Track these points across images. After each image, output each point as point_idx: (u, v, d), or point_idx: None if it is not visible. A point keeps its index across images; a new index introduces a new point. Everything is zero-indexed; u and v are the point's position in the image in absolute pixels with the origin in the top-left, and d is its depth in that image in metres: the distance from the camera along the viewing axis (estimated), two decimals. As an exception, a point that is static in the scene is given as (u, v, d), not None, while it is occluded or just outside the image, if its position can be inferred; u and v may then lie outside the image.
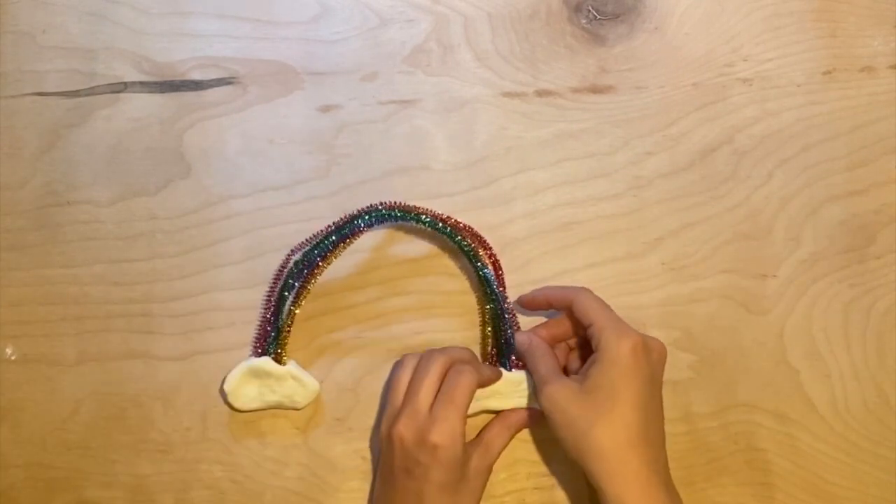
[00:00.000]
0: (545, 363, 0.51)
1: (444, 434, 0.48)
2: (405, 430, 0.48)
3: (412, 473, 0.48)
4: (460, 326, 0.55)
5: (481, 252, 0.54)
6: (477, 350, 0.55)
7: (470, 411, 0.53)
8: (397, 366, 0.52)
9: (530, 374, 0.53)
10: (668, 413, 0.54)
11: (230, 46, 0.58)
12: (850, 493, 0.54)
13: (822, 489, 0.54)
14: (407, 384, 0.51)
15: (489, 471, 0.52)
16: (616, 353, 0.48)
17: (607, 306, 0.51)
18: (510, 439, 0.53)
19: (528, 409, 0.53)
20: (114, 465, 0.54)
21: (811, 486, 0.54)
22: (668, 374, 0.54)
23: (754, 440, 0.54)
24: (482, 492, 0.51)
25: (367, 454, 0.54)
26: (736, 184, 0.57)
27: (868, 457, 0.54)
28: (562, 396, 0.49)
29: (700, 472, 0.54)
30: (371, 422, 0.54)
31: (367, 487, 0.54)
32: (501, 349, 0.54)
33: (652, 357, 0.49)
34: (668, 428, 0.54)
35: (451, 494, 0.49)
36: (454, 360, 0.51)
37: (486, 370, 0.52)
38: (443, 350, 0.52)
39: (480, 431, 0.53)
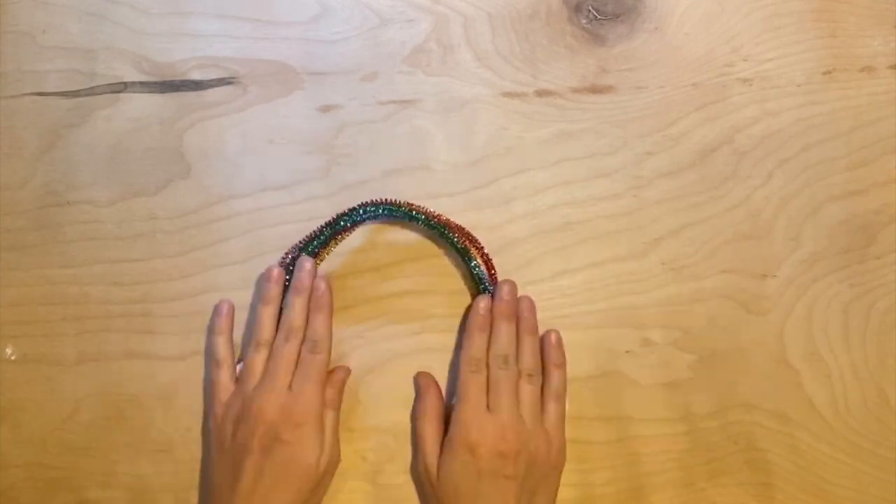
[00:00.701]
0: (430, 426, 0.51)
1: (307, 411, 0.48)
2: (268, 403, 0.49)
3: (269, 450, 0.48)
4: (459, 326, 0.55)
5: (473, 251, 0.54)
6: (477, 350, 0.55)
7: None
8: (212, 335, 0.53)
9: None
10: (667, 413, 0.54)
11: (230, 46, 0.58)
12: (850, 493, 0.54)
13: (822, 489, 0.54)
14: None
15: (336, 465, 0.51)
16: (455, 450, 0.49)
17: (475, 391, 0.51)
18: (338, 419, 0.52)
19: (337, 372, 0.53)
20: (114, 465, 0.54)
21: (811, 486, 0.54)
22: (668, 374, 0.55)
23: (754, 440, 0.54)
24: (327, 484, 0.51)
25: (368, 454, 0.54)
26: (736, 184, 0.57)
27: (868, 457, 0.54)
28: (426, 479, 0.50)
29: (700, 472, 0.54)
30: (372, 422, 0.54)
31: (367, 487, 0.54)
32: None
33: (510, 465, 0.48)
34: (668, 428, 0.54)
35: (296, 487, 0.48)
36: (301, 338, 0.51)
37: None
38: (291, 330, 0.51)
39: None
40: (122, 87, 0.58)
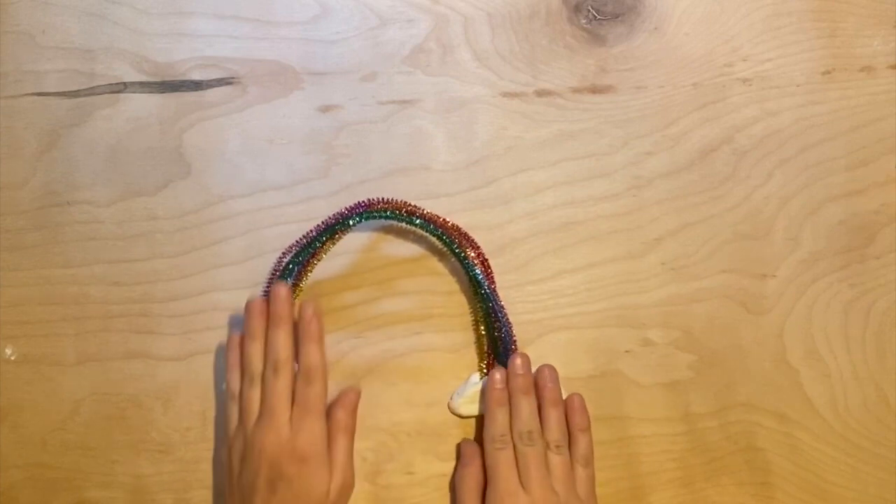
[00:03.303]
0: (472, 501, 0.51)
1: (310, 444, 0.47)
2: (268, 441, 0.48)
3: (275, 488, 0.47)
4: (458, 326, 0.55)
5: (470, 252, 0.54)
6: (473, 350, 0.55)
7: (467, 413, 0.54)
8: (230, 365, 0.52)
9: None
10: (667, 413, 0.54)
11: (230, 46, 0.58)
12: (850, 493, 0.54)
13: (822, 489, 0.54)
14: (238, 377, 0.51)
15: (350, 488, 0.50)
16: None
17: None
18: (350, 441, 0.51)
19: (347, 394, 0.52)
20: (114, 465, 0.54)
21: (811, 485, 0.54)
22: (668, 374, 0.55)
23: (754, 440, 0.54)
24: None
25: (368, 454, 0.54)
26: (735, 184, 0.57)
27: (868, 457, 0.54)
28: None
29: (699, 471, 0.54)
30: (371, 422, 0.54)
31: (367, 487, 0.54)
32: (497, 348, 0.54)
33: None
34: (667, 428, 0.54)
35: None
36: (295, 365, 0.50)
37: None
38: (280, 353, 0.50)
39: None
40: (122, 87, 0.58)
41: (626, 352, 0.55)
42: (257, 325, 0.51)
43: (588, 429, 0.52)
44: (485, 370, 0.54)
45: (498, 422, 0.51)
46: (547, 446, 0.50)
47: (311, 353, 0.50)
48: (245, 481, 0.48)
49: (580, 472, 0.51)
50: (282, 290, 0.51)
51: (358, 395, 0.52)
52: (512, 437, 0.50)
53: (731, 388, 0.55)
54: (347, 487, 0.50)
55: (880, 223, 0.56)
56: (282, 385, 0.49)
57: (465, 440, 0.54)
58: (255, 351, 0.51)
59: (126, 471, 0.54)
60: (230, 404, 0.51)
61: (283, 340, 0.50)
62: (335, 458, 0.49)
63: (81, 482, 0.54)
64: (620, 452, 0.54)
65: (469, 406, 0.53)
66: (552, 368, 0.53)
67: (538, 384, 0.52)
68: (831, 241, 0.56)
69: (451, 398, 0.54)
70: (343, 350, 0.55)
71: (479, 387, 0.53)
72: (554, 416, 0.51)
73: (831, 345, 0.55)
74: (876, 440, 0.54)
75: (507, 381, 0.52)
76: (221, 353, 0.55)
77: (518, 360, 0.52)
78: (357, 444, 0.54)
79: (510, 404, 0.52)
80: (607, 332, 0.55)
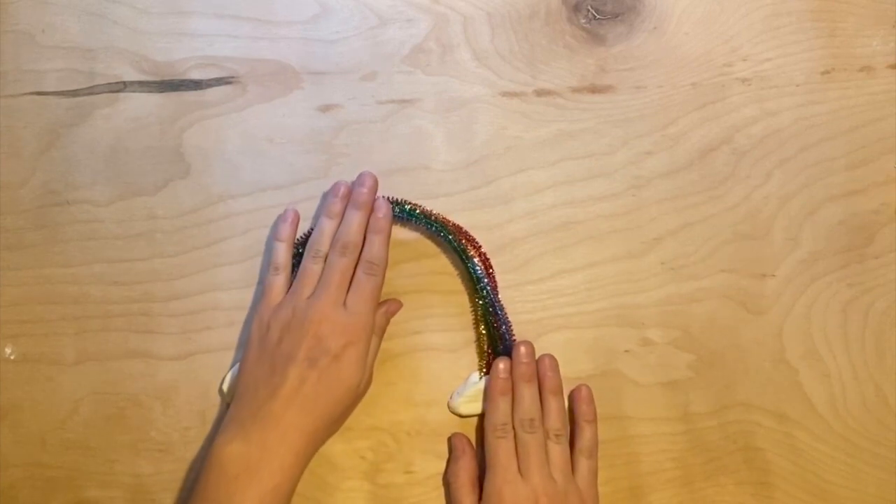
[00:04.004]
0: (465, 492, 0.51)
1: (359, 328, 0.49)
2: (322, 313, 0.49)
3: (316, 362, 0.48)
4: (458, 326, 0.55)
5: (471, 250, 0.54)
6: (473, 349, 0.55)
7: (467, 412, 0.54)
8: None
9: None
10: (666, 413, 0.54)
11: (230, 46, 0.58)
12: (850, 492, 0.54)
13: (822, 489, 0.54)
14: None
15: (367, 390, 0.51)
16: None
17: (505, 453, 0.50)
18: (379, 347, 0.53)
19: (392, 303, 0.54)
20: (113, 464, 0.54)
21: (810, 485, 0.54)
22: (668, 373, 0.55)
23: (753, 440, 0.54)
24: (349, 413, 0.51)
25: (367, 454, 0.54)
26: (735, 183, 0.57)
27: (867, 456, 0.54)
28: None
29: (699, 471, 0.54)
30: (370, 421, 0.54)
31: (366, 487, 0.54)
32: (496, 348, 0.54)
33: None
34: (667, 428, 0.54)
35: (334, 401, 0.48)
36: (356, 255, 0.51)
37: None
38: (346, 241, 0.51)
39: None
40: (122, 86, 0.58)
41: (626, 351, 0.55)
42: (338, 206, 0.53)
43: (594, 420, 0.53)
44: (484, 370, 0.54)
45: (500, 410, 0.51)
46: (546, 435, 0.51)
47: (378, 245, 0.51)
48: (284, 350, 0.48)
49: (583, 462, 0.51)
50: (369, 178, 0.53)
51: (400, 307, 0.54)
52: (513, 425, 0.51)
53: (730, 388, 0.55)
54: (366, 388, 0.51)
55: (880, 223, 0.56)
56: (346, 266, 0.50)
57: (455, 434, 0.54)
58: (329, 229, 0.52)
59: (126, 470, 0.54)
60: (273, 277, 0.52)
61: (357, 224, 0.51)
62: (368, 356, 0.50)
63: (81, 482, 0.54)
64: (620, 452, 0.54)
65: (469, 405, 0.54)
66: (552, 358, 0.53)
67: (539, 373, 0.53)
68: (831, 241, 0.56)
69: (450, 397, 0.54)
70: (343, 350, 0.55)
71: (478, 386, 0.54)
72: (554, 405, 0.52)
73: (830, 344, 0.55)
74: (875, 440, 0.54)
75: (511, 370, 0.52)
76: (221, 352, 0.55)
77: (522, 349, 0.53)
78: (356, 444, 0.54)
79: (513, 392, 0.52)
80: (607, 332, 0.55)
